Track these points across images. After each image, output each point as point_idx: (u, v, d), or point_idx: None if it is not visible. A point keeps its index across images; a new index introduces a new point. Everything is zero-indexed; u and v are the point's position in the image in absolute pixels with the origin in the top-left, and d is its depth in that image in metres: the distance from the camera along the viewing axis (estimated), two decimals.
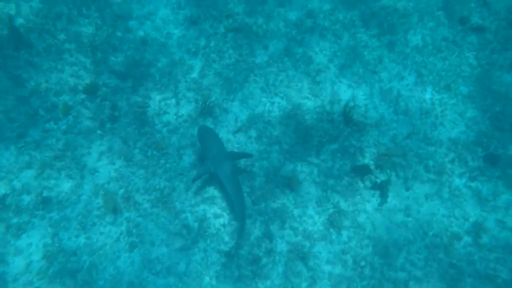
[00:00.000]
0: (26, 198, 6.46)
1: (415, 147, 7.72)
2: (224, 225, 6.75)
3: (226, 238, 6.65)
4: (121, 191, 6.77)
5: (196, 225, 6.67)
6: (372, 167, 7.39)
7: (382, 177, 7.34)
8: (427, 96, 8.20)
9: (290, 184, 7.13)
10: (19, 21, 7.73)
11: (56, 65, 7.56)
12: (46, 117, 7.11)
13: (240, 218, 6.56)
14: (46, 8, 7.94)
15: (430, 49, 8.66)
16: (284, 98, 8.04)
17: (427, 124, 7.97)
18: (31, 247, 6.21)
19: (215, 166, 6.62)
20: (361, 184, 7.31)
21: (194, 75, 8.00)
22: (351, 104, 7.94)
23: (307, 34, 8.70)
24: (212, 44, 8.38)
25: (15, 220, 6.32)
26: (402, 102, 8.15)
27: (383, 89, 8.26)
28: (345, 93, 8.17)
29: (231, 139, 7.50)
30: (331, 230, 6.89)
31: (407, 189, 7.35)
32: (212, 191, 6.98)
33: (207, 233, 6.65)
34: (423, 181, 7.42)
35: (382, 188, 7.24)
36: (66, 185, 6.67)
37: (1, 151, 6.70)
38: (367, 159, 7.53)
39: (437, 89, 8.28)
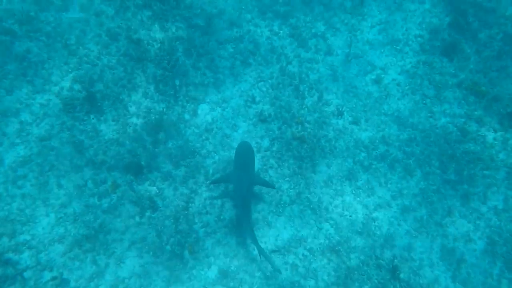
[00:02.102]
0: (47, 276, 6.37)
1: None
2: None
3: None
4: None
5: None
6: None
7: None
8: (495, 271, 7.19)
9: None
10: (99, 87, 7.95)
11: (118, 137, 7.62)
12: (93, 191, 7.11)
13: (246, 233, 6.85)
14: (127, 79, 8.12)
15: (511, 215, 7.65)
16: (334, 226, 7.45)
17: None
18: None
19: (236, 180, 6.87)
20: None
21: None
22: (405, 255, 7.20)
23: (376, 161, 8.11)
24: (274, 148, 8.07)
25: None
26: (464, 269, 7.20)
27: (446, 247, 7.37)
28: (401, 239, 7.40)
29: None
30: None
31: None
32: None
33: None
34: None
35: None
36: (89, 271, 6.51)
37: (40, 218, 6.76)
38: None
39: (509, 266, 7.25)
